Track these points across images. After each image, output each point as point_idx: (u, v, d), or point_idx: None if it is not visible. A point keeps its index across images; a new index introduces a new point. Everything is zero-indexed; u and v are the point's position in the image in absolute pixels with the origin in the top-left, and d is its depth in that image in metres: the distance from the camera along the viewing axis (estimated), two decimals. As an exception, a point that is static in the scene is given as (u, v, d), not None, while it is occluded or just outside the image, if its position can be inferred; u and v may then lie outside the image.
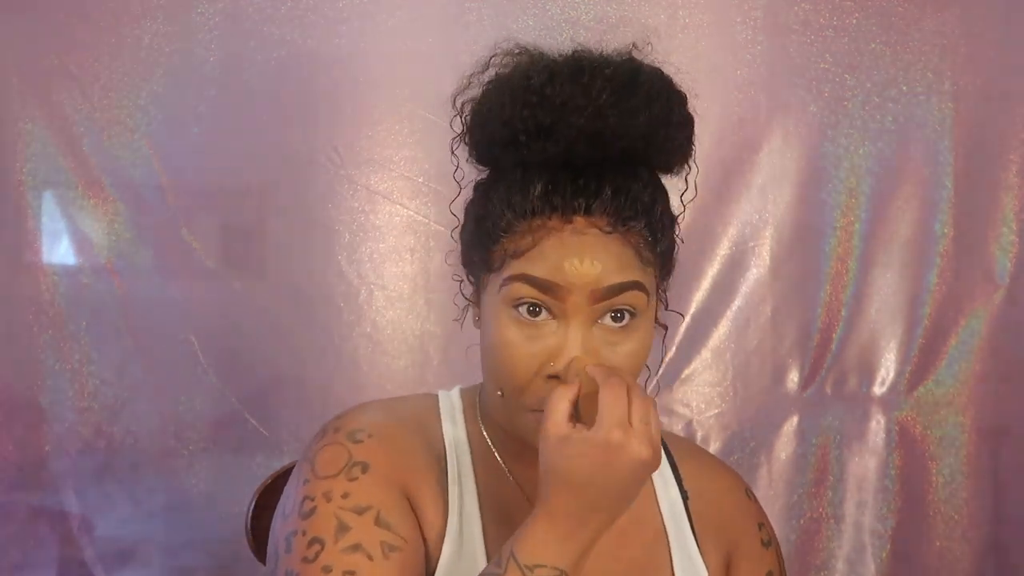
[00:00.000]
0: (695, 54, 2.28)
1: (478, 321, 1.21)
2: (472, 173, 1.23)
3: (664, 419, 2.27)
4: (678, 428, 2.30)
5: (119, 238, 2.23)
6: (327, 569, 1.09)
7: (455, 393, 1.29)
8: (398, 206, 2.25)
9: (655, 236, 1.16)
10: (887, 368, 2.34)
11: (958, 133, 2.31)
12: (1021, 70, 2.31)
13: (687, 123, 1.18)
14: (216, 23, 2.22)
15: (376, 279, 2.26)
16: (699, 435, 2.31)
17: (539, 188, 1.13)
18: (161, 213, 2.23)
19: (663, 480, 1.29)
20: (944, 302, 2.32)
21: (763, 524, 1.33)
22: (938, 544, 2.32)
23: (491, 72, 1.18)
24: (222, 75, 2.22)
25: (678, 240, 1.22)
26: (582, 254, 1.11)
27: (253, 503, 1.48)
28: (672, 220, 1.20)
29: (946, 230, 2.32)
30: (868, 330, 2.34)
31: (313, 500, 1.13)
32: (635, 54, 1.17)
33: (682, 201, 1.23)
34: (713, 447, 2.30)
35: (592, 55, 1.15)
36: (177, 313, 2.22)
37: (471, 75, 1.18)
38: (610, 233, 1.12)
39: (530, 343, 1.13)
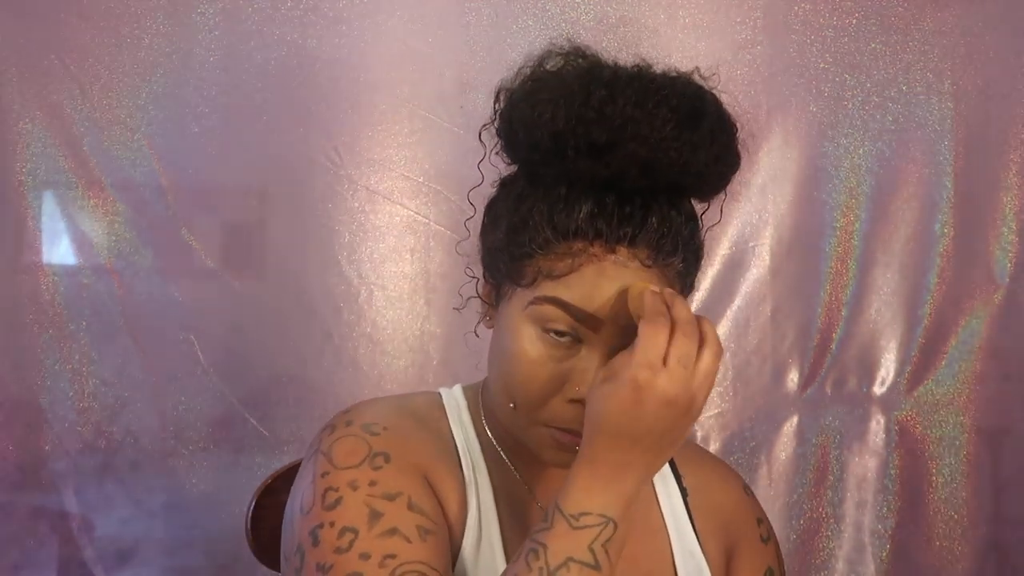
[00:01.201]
0: (695, 54, 2.28)
1: (490, 321, 1.19)
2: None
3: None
4: (678, 428, 2.30)
5: (119, 238, 2.22)
6: (365, 556, 1.06)
7: (457, 391, 1.27)
8: (398, 206, 2.25)
9: (688, 270, 1.13)
10: (887, 368, 2.34)
11: (958, 133, 2.31)
12: (1021, 70, 2.31)
13: (737, 159, 1.16)
14: (216, 23, 2.22)
15: (376, 279, 2.26)
16: (699, 435, 2.31)
17: (584, 210, 1.08)
18: (161, 213, 2.23)
19: (662, 477, 1.28)
20: (944, 302, 2.32)
21: (762, 520, 1.33)
22: (938, 544, 2.32)
23: (541, 68, 1.12)
24: (222, 75, 2.22)
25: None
26: (622, 287, 1.08)
27: (253, 503, 1.48)
28: (702, 248, 1.17)
29: (946, 230, 2.32)
30: (868, 330, 2.34)
31: (337, 491, 1.10)
32: (697, 76, 1.14)
33: (702, 221, 1.18)
34: (713, 447, 2.30)
35: (656, 76, 1.10)
36: (177, 313, 2.22)
37: (520, 68, 1.13)
38: (650, 268, 1.09)
39: (553, 364, 1.10)
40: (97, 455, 2.21)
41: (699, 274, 1.20)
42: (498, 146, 1.15)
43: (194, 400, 2.22)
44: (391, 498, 1.09)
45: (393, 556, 1.05)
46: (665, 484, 1.28)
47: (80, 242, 2.22)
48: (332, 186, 2.25)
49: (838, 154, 2.32)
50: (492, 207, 1.18)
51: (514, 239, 1.11)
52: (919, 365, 2.34)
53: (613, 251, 1.08)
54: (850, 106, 2.32)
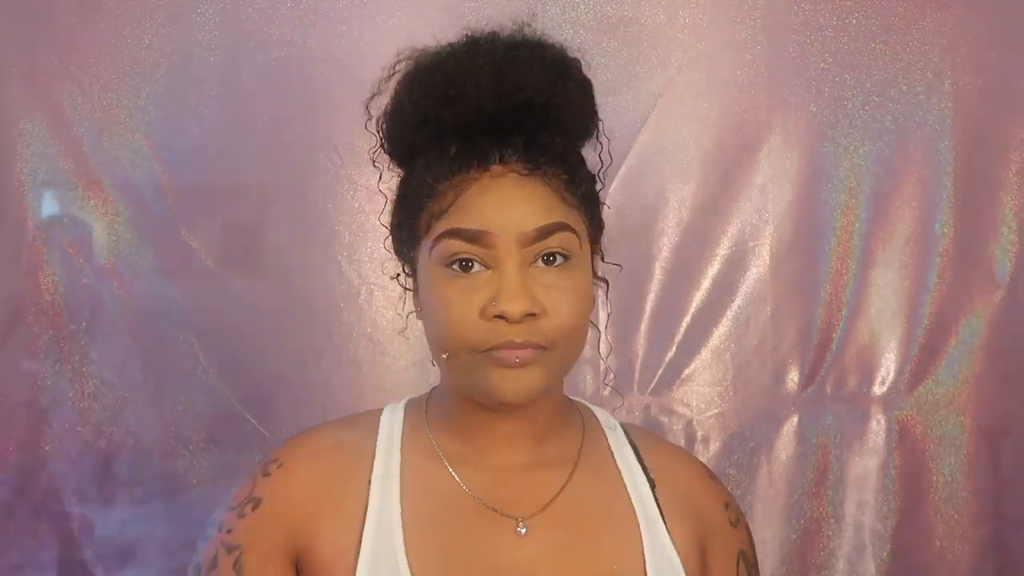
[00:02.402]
0: (695, 54, 2.28)
1: (420, 312, 1.24)
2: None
3: (664, 419, 2.29)
4: (678, 428, 2.30)
5: (119, 238, 2.23)
6: None
7: (401, 404, 1.32)
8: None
9: (574, 179, 1.19)
10: (887, 368, 2.34)
11: (958, 133, 2.31)
12: (1021, 70, 2.31)
13: (584, 80, 1.23)
14: (216, 23, 2.22)
15: (376, 279, 2.26)
16: (699, 435, 2.31)
17: (454, 148, 1.18)
18: (161, 213, 2.23)
19: (629, 468, 1.29)
20: (944, 302, 2.32)
21: (729, 504, 1.34)
22: (938, 544, 2.32)
23: (396, 77, 1.24)
24: (222, 75, 2.22)
25: (604, 203, 1.25)
26: (504, 197, 1.16)
27: (253, 503, 1.48)
28: (591, 172, 1.23)
29: (946, 230, 2.32)
30: (868, 330, 2.33)
31: (213, 526, 1.24)
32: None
33: (601, 159, 1.25)
34: (713, 447, 2.30)
35: (481, 30, 1.23)
36: (177, 313, 2.22)
37: (378, 81, 1.25)
38: (528, 176, 1.17)
39: (468, 295, 1.15)
40: (97, 455, 2.22)
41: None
42: (391, 164, 1.27)
43: (194, 400, 2.23)
44: (229, 550, 1.20)
45: None
46: (632, 475, 1.29)
47: (80, 242, 2.22)
48: (332, 186, 2.25)
49: (838, 154, 2.32)
50: (392, 207, 1.28)
51: (406, 203, 1.22)
52: (919, 365, 2.34)
53: (487, 170, 1.17)
54: (850, 106, 2.32)
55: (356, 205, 2.25)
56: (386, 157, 1.27)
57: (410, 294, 1.28)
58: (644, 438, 1.35)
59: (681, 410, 2.32)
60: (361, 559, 1.18)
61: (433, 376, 2.21)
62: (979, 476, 2.32)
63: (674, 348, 2.32)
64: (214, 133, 2.22)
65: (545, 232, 1.15)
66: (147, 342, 2.22)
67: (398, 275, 1.29)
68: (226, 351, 2.23)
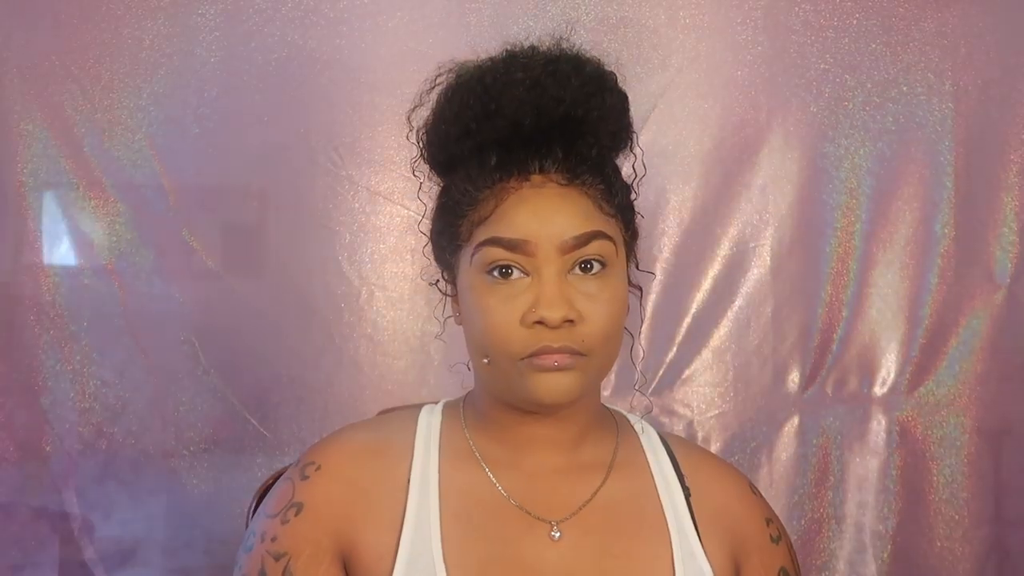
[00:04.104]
0: (695, 54, 2.29)
1: (459, 317, 1.26)
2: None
3: (665, 419, 2.28)
4: (679, 428, 2.30)
5: (120, 239, 2.23)
6: None
7: (440, 405, 1.33)
8: (399, 207, 2.25)
9: (611, 189, 1.22)
10: (888, 368, 2.34)
11: (958, 133, 2.31)
12: (1021, 70, 2.31)
13: (620, 93, 1.25)
14: (216, 24, 2.22)
15: (377, 280, 2.26)
16: (700, 435, 2.31)
17: (495, 158, 1.20)
18: (162, 213, 2.23)
19: (664, 477, 1.29)
20: (945, 302, 2.32)
21: (771, 520, 1.33)
22: (939, 544, 2.32)
23: (435, 91, 1.26)
24: (222, 75, 2.22)
25: (638, 213, 1.28)
26: (544, 206, 1.19)
27: (253, 504, 1.48)
28: (626, 183, 1.26)
29: (946, 230, 2.32)
30: (869, 330, 2.33)
31: (254, 536, 1.24)
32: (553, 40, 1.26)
33: (635, 169, 1.28)
34: (714, 447, 2.30)
35: (520, 44, 1.23)
36: (177, 313, 2.22)
37: (419, 94, 1.27)
38: (566, 186, 1.20)
39: (508, 302, 1.18)
40: (98, 456, 2.22)
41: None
42: (431, 174, 1.29)
43: (195, 401, 2.23)
44: (277, 558, 1.21)
45: None
46: (667, 482, 1.29)
47: (81, 243, 2.23)
48: (333, 187, 2.25)
49: (838, 154, 2.32)
50: (432, 216, 1.29)
51: (447, 212, 1.23)
52: (920, 365, 2.33)
53: (527, 179, 1.20)
54: (850, 106, 2.32)
55: (356, 205, 2.25)
56: (426, 167, 1.30)
57: (449, 300, 1.31)
58: (684, 448, 1.36)
59: (682, 411, 2.32)
60: (399, 561, 1.19)
61: (433, 377, 2.23)
62: (980, 477, 2.32)
63: (675, 349, 2.31)
64: (214, 133, 2.22)
65: (583, 240, 1.18)
66: (147, 342, 2.22)
67: (437, 281, 1.31)
68: (226, 351, 2.23)
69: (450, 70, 1.25)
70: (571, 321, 1.16)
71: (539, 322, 1.16)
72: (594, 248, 1.19)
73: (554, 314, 1.15)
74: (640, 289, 1.29)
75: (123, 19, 2.19)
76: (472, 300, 1.20)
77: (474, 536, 1.21)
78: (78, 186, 2.21)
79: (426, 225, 1.30)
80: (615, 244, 1.21)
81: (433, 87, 1.26)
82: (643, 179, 1.30)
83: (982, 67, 2.30)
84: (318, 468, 1.24)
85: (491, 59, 1.23)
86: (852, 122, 2.32)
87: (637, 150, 1.28)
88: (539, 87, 1.19)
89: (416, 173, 1.30)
